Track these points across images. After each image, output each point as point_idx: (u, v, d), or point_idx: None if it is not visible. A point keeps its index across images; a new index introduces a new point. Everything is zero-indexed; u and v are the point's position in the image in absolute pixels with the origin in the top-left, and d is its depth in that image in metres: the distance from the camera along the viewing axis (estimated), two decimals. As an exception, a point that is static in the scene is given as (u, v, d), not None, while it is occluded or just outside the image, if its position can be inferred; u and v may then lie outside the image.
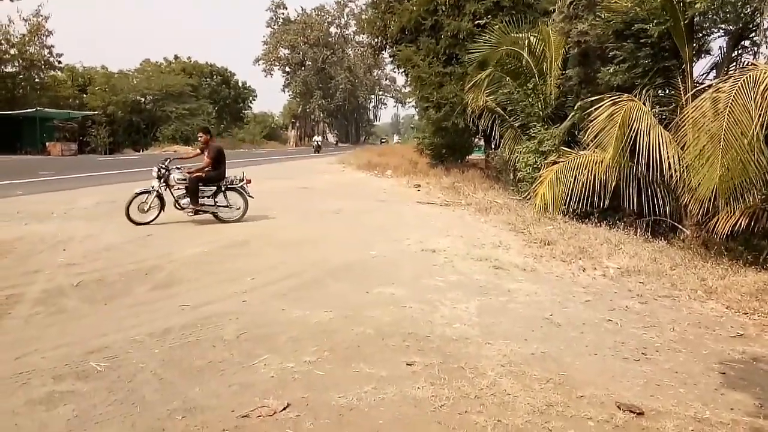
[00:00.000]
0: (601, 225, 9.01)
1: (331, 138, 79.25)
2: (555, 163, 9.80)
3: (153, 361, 3.61)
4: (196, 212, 8.84)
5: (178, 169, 8.83)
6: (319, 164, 27.22)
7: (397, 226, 9.14)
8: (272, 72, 62.73)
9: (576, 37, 11.23)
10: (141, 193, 8.54)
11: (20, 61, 34.87)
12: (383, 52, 24.38)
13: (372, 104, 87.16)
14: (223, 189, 8.97)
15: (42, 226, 8.01)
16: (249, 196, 9.16)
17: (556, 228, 8.50)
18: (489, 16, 16.76)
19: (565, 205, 9.24)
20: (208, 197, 8.86)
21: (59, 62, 38.18)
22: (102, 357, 3.63)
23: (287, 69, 63.38)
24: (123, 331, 4.14)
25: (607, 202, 8.98)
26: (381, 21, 21.66)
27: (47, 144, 31.38)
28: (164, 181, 8.67)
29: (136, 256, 6.56)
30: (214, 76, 53.43)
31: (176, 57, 52.20)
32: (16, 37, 34.47)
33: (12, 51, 34.00)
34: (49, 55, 36.82)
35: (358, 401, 3.17)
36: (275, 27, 62.34)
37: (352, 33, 63.11)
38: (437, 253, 7.03)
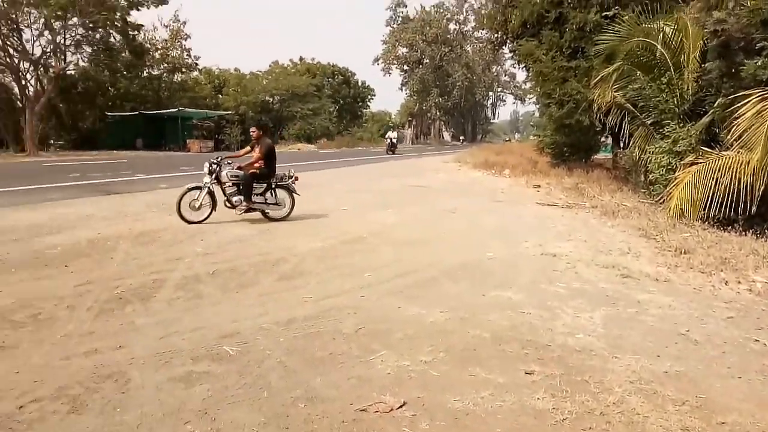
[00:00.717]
0: (746, 234, 8.13)
1: (447, 136, 79.04)
2: (693, 164, 8.99)
3: (279, 349, 3.80)
4: (247, 210, 8.63)
5: (229, 164, 8.58)
6: (434, 162, 27.25)
7: (515, 227, 8.90)
8: (390, 71, 63.80)
9: (712, 26, 10.20)
10: (192, 189, 8.30)
11: (164, 65, 38.44)
12: (503, 47, 23.82)
13: (490, 101, 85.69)
14: (273, 186, 8.80)
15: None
16: (296, 193, 9.01)
17: (693, 235, 7.80)
18: (618, 7, 15.75)
19: (703, 210, 8.45)
20: (259, 194, 8.65)
21: (197, 64, 41.62)
22: (234, 342, 3.89)
23: (405, 67, 64.13)
24: (252, 318, 4.40)
25: (754, 209, 8.08)
26: (501, 15, 21.15)
27: (187, 141, 34.37)
28: (215, 178, 8.43)
29: (262, 248, 6.97)
30: (336, 76, 55.46)
31: (301, 58, 54.90)
32: (160, 42, 38.08)
33: (156, 55, 37.57)
34: (188, 58, 40.24)
35: (474, 406, 3.12)
36: (394, 26, 63.30)
37: (470, 29, 62.41)
38: (558, 258, 6.74)
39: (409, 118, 67.85)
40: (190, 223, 8.10)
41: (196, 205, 8.24)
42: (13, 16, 25.27)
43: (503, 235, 8.16)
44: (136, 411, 2.93)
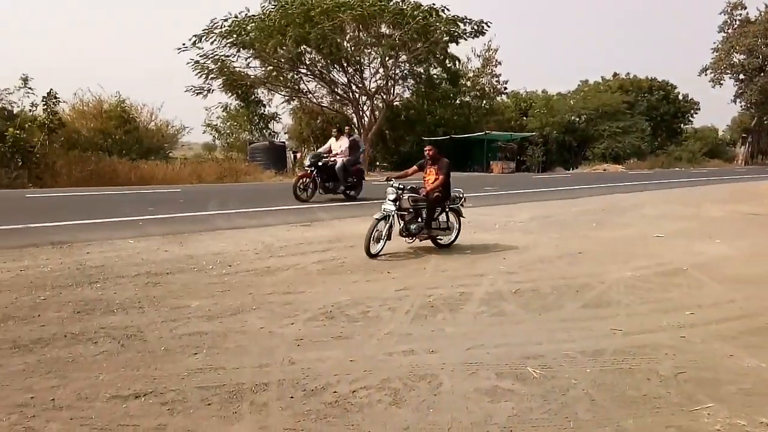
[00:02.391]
0: None
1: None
2: None
3: (585, 379, 3.62)
4: (426, 238, 7.77)
5: (406, 190, 7.58)
6: (777, 186, 22.63)
7: None
8: (722, 81, 55.47)
9: None
10: (381, 220, 7.36)
11: (475, 92, 40.88)
12: None
13: None
14: (446, 210, 7.96)
15: (486, 235, 9.14)
16: (462, 216, 8.22)
17: None
18: None
19: None
20: (434, 219, 7.75)
21: (505, 89, 43.09)
22: (537, 364, 3.85)
23: (741, 76, 54.96)
24: (555, 343, 4.30)
25: None
26: None
27: (491, 163, 35.83)
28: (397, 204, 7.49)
29: (566, 272, 6.77)
30: (654, 92, 50.78)
31: (615, 74, 51.90)
32: (472, 71, 40.62)
33: (469, 83, 40.20)
34: (497, 83, 41.98)
35: None
36: (729, 31, 54.93)
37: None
38: None
39: (743, 135, 57.80)
40: (372, 257, 7.20)
41: (380, 236, 7.37)
42: (358, 58, 30.25)
43: None
44: (446, 414, 3.13)
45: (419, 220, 7.63)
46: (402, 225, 7.61)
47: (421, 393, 3.38)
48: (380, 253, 7.31)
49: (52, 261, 6.42)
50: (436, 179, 7.63)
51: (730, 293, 5.82)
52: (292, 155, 30.75)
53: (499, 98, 43.26)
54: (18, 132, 18.48)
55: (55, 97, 21.49)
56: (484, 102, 41.53)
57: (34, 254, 6.73)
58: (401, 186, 7.52)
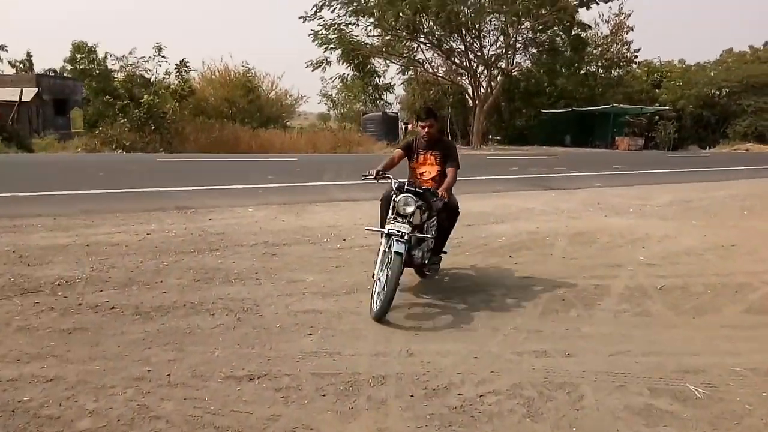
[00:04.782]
0: None
1: None
2: None
3: (761, 405, 2.97)
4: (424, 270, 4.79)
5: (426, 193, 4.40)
6: None
7: None
8: None
9: None
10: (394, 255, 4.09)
11: (603, 61, 37.99)
12: None
13: None
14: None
15: (620, 219, 8.27)
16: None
17: None
18: None
19: None
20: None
21: (635, 57, 39.60)
22: (699, 381, 3.23)
23: None
24: (718, 356, 3.63)
25: None
26: None
27: (616, 138, 33.33)
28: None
29: (719, 267, 5.88)
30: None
31: (766, 43, 45.92)
32: (600, 38, 37.67)
33: (595, 52, 37.37)
34: (627, 51, 38.67)
35: None
36: None
37: None
38: None
39: None
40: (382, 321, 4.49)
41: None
42: (477, 24, 29.07)
43: None
44: (593, 435, 2.67)
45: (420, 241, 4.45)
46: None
47: (559, 406, 2.93)
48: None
49: (176, 226, 6.62)
50: (438, 171, 4.70)
51: None
52: (404, 126, 30.57)
53: (629, 68, 39.88)
54: (152, 98, 19.81)
55: (186, 66, 22.75)
56: (612, 72, 38.51)
57: (161, 218, 6.98)
58: (419, 188, 4.37)
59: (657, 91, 40.60)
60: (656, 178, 14.30)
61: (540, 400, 2.97)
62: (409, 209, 4.12)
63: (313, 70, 29.31)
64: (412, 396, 2.97)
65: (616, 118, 34.68)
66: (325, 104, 40.01)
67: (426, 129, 4.63)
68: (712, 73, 41.10)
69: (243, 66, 30.87)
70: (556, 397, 3.02)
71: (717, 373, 3.37)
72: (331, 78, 35.72)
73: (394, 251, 4.01)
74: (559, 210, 9.04)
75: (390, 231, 4.11)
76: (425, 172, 4.75)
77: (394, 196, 4.24)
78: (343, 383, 3.07)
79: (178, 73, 22.49)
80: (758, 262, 6.12)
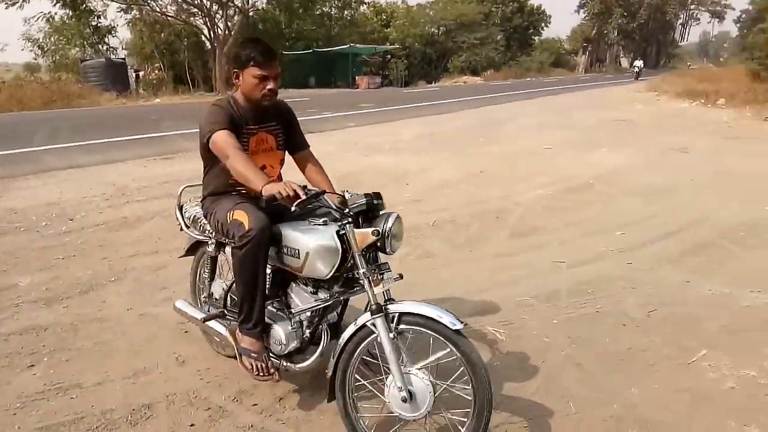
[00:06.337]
0: None
1: (625, 62, 70.85)
2: None
3: (558, 336, 2.99)
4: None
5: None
6: (624, 92, 24.26)
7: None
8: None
9: None
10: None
11: (336, 1, 38.54)
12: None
13: (680, 21, 74.54)
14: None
15: (380, 158, 8.27)
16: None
17: None
18: None
19: None
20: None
21: (367, -1, 41.10)
22: (497, 321, 3.15)
23: (585, -15, 57.76)
24: (503, 287, 3.64)
25: None
26: None
27: (356, 78, 34.54)
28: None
29: (475, 195, 6.18)
30: (508, 3, 51.55)
31: (471, -17, 51.72)
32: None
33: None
34: (359, -8, 39.85)
35: None
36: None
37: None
38: None
39: (584, 44, 61.82)
40: None
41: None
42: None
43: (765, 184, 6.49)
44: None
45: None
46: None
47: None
48: None
49: None
50: (281, 161, 2.62)
51: (647, 207, 5.60)
52: (134, 74, 27.11)
53: (360, 8, 41.24)
54: None
55: None
56: (346, 13, 39.42)
57: None
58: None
59: (387, 30, 43.02)
60: (400, 114, 14.94)
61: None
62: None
63: (7, 8, 23.78)
64: (192, 426, 2.26)
65: (354, 58, 35.84)
66: (31, 51, 33.08)
67: (271, 84, 2.29)
68: (431, 13, 45.01)
69: None
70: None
71: (508, 308, 3.34)
72: (33, 17, 29.26)
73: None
74: (319, 154, 8.70)
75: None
76: (265, 166, 2.45)
77: (348, 226, 2.04)
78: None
79: None
80: (506, 186, 6.59)
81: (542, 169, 7.48)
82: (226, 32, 28.72)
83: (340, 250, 2.06)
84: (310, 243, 2.10)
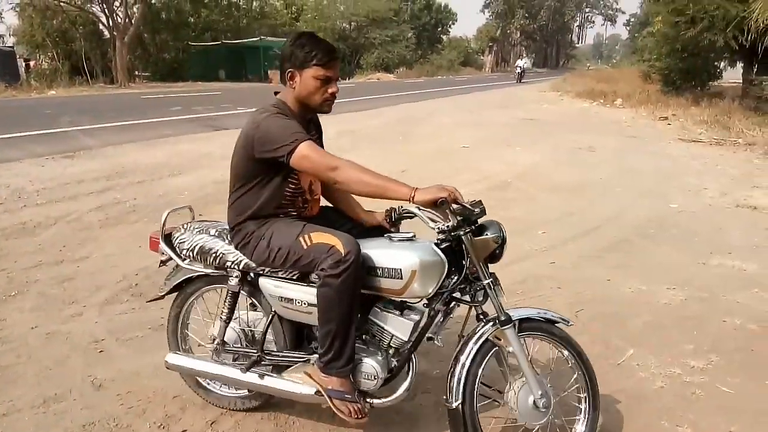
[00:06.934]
0: None
1: (523, 62, 74.21)
2: None
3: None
4: None
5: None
6: (529, 92, 25.38)
7: (677, 169, 7.67)
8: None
9: None
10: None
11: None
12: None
13: (576, 24, 79.36)
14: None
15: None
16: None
17: None
18: None
19: None
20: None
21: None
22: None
23: (489, -14, 59.89)
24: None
25: None
26: None
27: (269, 72, 33.74)
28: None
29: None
30: (416, 0, 52.45)
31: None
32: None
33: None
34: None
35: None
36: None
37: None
38: (761, 212, 5.56)
39: (490, 44, 64.15)
40: None
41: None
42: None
43: (671, 180, 6.99)
44: None
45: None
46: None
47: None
48: None
49: None
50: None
51: (563, 205, 5.83)
52: (24, 63, 24.98)
53: (271, 1, 40.38)
54: None
55: None
56: (255, 4, 38.41)
57: None
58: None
59: (298, 24, 42.37)
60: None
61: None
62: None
63: None
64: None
65: (266, 52, 35.00)
66: None
67: (334, 87, 2.12)
68: (342, 8, 44.85)
69: None
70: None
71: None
72: None
73: None
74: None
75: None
76: (312, 182, 2.25)
77: (469, 234, 1.92)
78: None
79: None
80: (428, 184, 6.63)
81: (462, 168, 7.62)
82: (126, 20, 27.10)
83: (446, 263, 1.92)
84: (414, 260, 1.91)
